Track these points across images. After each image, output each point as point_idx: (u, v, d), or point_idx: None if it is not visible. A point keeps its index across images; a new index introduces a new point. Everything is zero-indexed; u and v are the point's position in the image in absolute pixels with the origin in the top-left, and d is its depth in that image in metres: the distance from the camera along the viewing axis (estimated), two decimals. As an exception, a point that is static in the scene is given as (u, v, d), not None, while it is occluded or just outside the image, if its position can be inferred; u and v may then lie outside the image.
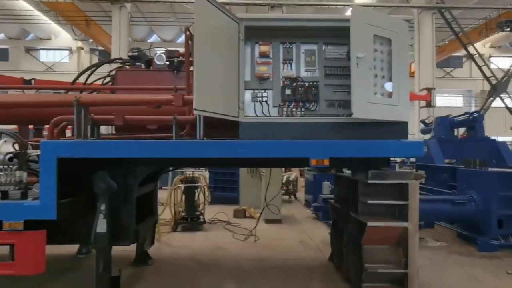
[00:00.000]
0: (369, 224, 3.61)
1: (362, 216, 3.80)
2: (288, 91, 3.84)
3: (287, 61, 3.89)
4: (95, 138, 3.79)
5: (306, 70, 3.93)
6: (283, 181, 11.61)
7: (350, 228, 4.29)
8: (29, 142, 3.91)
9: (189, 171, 8.19)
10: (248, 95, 3.84)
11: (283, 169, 11.30)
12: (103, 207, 3.68)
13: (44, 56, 34.92)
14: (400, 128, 3.75)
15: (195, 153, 3.26)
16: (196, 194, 7.78)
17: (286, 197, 11.78)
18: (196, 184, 7.62)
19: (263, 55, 3.84)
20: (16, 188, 3.43)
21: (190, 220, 7.49)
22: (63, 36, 32.61)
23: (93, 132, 3.87)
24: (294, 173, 12.35)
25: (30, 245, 3.34)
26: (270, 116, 3.80)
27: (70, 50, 33.98)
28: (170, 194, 7.60)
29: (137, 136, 3.97)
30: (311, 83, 3.89)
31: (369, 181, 3.66)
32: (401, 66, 3.65)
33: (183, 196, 7.62)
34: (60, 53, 34.41)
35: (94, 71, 5.25)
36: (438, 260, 5.49)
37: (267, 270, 5.05)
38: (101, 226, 3.72)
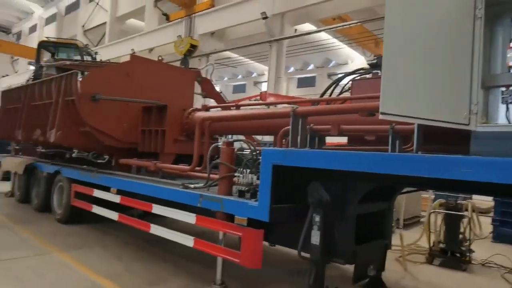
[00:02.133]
0: None
1: None
2: None
3: None
4: (312, 148, 3.79)
5: None
6: None
7: None
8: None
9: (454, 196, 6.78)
10: (497, 94, 2.73)
11: None
12: (317, 218, 3.62)
13: (337, 78, 39.54)
14: None
15: (393, 169, 2.56)
16: (463, 226, 6.34)
17: None
18: (460, 213, 6.19)
19: (524, 34, 2.61)
20: (246, 189, 3.96)
21: (450, 254, 6.17)
22: (356, 60, 35.64)
23: (313, 143, 3.89)
24: None
25: (250, 241, 3.73)
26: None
27: (362, 70, 36.68)
28: (428, 219, 6.61)
29: (352, 147, 3.65)
30: None
31: None
32: None
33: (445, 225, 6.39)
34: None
35: (337, 85, 5.34)
36: None
37: None
38: (315, 238, 3.66)
